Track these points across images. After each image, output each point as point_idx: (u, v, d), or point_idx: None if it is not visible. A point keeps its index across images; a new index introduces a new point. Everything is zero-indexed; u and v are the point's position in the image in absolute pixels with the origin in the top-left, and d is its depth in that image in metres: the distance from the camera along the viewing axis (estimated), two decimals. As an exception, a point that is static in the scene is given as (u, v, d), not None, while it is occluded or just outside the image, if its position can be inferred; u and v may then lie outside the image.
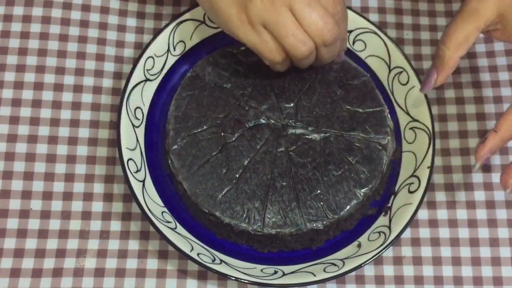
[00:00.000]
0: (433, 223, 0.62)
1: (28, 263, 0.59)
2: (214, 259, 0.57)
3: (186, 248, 0.56)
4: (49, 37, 0.66)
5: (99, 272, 0.59)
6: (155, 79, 0.63)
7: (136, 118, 0.61)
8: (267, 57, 0.55)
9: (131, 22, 0.68)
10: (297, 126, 0.61)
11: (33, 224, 0.60)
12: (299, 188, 0.58)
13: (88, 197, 0.61)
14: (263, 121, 0.61)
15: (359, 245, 0.59)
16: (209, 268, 0.55)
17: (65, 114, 0.64)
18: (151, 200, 0.58)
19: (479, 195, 0.63)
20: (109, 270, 0.59)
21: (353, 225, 0.60)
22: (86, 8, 0.67)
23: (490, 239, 0.61)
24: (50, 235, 0.60)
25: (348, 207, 0.58)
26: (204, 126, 0.60)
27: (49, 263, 0.59)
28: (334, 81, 0.63)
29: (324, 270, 0.57)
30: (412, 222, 0.60)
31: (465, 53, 0.55)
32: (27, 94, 0.64)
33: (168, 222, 0.58)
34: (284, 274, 0.57)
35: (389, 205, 0.61)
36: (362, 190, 0.59)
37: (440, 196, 0.63)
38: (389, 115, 0.62)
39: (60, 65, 0.65)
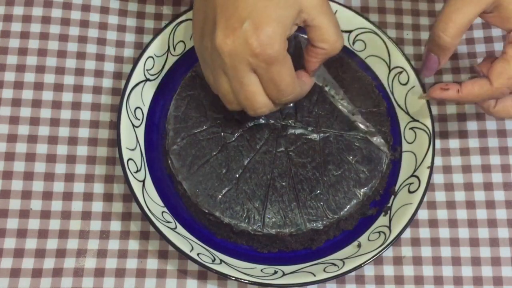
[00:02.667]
0: (433, 223, 0.62)
1: (28, 263, 0.59)
2: (214, 259, 0.57)
3: (186, 248, 0.56)
4: (49, 37, 0.66)
5: (99, 272, 0.59)
6: (155, 79, 0.63)
7: (136, 118, 0.61)
8: (223, 100, 0.54)
9: (131, 22, 0.68)
10: (297, 126, 0.61)
11: (33, 224, 0.60)
12: (299, 188, 0.58)
13: (88, 197, 0.61)
14: (263, 121, 0.61)
15: (359, 245, 0.59)
16: (209, 268, 0.55)
17: (65, 114, 0.64)
18: (151, 200, 0.58)
19: (479, 195, 0.63)
20: (109, 270, 0.59)
21: (353, 225, 0.60)
22: (86, 8, 0.67)
23: (490, 239, 0.61)
24: (50, 235, 0.60)
25: (348, 207, 0.58)
26: (204, 126, 0.60)
27: (49, 263, 0.59)
28: (334, 80, 0.63)
29: (324, 270, 0.57)
30: (412, 222, 0.60)
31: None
32: (27, 94, 0.64)
33: (168, 222, 0.58)
34: (284, 274, 0.57)
35: (389, 205, 0.60)
36: (362, 190, 0.59)
37: (440, 196, 0.63)
38: (388, 115, 0.62)
39: (60, 65, 0.65)
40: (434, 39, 0.54)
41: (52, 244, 0.60)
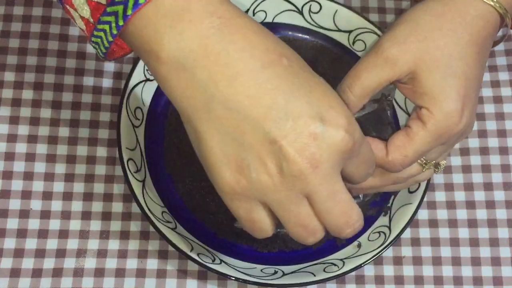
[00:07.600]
0: (433, 223, 0.62)
1: (28, 263, 0.59)
2: (214, 259, 0.57)
3: (186, 248, 0.56)
4: (49, 37, 0.66)
5: (99, 272, 0.59)
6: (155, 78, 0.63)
7: (136, 118, 0.61)
8: (252, 234, 0.44)
9: (131, 22, 0.68)
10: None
11: (33, 224, 0.60)
12: (299, 188, 0.58)
13: (88, 197, 0.61)
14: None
15: (359, 245, 0.59)
16: (209, 268, 0.55)
17: (65, 114, 0.64)
18: (151, 200, 0.58)
19: (479, 195, 0.63)
20: (109, 270, 0.59)
21: (353, 225, 0.60)
22: (86, 8, 0.67)
23: (490, 239, 0.61)
24: (50, 235, 0.60)
25: (348, 207, 0.58)
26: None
27: (49, 263, 0.59)
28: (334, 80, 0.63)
29: (324, 270, 0.57)
30: (412, 222, 0.60)
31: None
32: (27, 94, 0.64)
33: (168, 222, 0.58)
34: (284, 274, 0.57)
35: (389, 205, 0.61)
36: (362, 190, 0.59)
37: (440, 196, 0.63)
38: (389, 114, 0.62)
39: (60, 65, 0.65)
40: (339, 92, 0.49)
41: (52, 244, 0.60)
